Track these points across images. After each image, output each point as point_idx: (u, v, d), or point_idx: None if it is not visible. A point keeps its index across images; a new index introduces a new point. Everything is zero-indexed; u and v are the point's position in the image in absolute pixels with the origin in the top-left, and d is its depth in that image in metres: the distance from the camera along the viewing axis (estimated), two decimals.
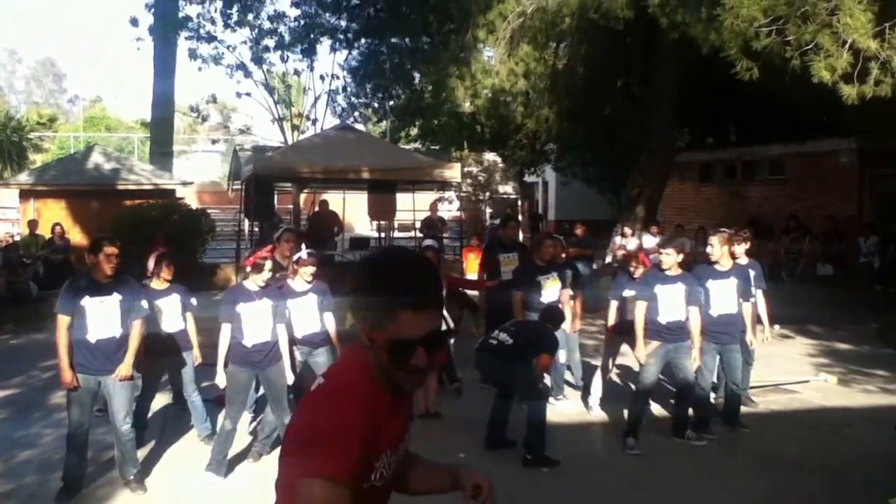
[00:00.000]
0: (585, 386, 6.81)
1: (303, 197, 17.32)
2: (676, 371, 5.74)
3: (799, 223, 14.81)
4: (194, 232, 14.26)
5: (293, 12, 19.14)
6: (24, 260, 12.42)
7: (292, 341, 5.36)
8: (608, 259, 12.94)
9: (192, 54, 18.55)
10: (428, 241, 9.16)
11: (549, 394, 6.60)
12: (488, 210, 27.75)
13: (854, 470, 5.15)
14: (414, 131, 21.16)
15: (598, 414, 6.47)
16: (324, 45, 19.38)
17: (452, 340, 6.85)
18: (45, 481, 4.87)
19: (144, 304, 4.87)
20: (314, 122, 21.23)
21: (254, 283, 5.08)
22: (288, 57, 19.56)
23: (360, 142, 13.24)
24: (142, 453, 5.21)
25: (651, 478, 5.09)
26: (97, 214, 15.10)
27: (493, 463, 5.17)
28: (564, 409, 6.58)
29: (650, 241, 12.42)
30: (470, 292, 8.25)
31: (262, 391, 5.67)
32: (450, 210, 22.79)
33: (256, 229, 14.01)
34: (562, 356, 6.53)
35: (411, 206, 15.03)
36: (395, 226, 16.89)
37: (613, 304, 6.50)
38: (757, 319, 6.33)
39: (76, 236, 14.51)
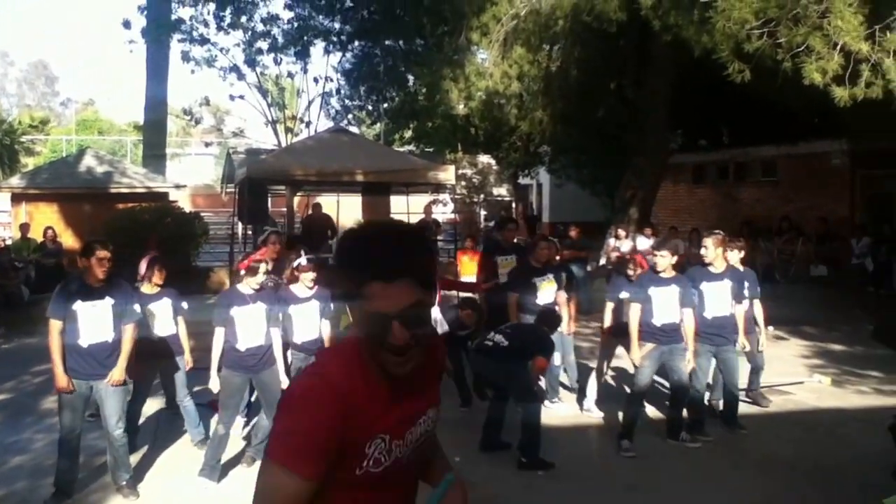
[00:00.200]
0: (581, 388, 6.80)
1: (297, 200, 17.31)
2: (671, 373, 5.74)
3: (792, 224, 14.87)
4: (188, 235, 14.22)
5: (286, 14, 19.20)
6: (15, 264, 12.35)
7: (287, 346, 5.34)
8: (602, 261, 12.95)
9: (185, 57, 18.53)
10: None
11: (545, 397, 6.60)
12: (483, 212, 27.77)
13: (848, 471, 5.16)
14: (408, 134, 21.17)
15: (593, 416, 6.46)
16: (317, 47, 19.39)
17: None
18: (37, 486, 4.84)
19: (137, 308, 4.84)
20: (308, 124, 21.21)
21: (248, 286, 5.06)
22: (281, 59, 19.57)
23: (354, 144, 13.23)
24: (134, 458, 5.17)
25: (647, 479, 5.09)
26: (89, 218, 15.03)
27: (489, 465, 5.16)
28: (560, 411, 6.58)
29: (644, 242, 12.43)
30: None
31: (255, 396, 5.65)
32: (444, 212, 22.80)
33: (250, 232, 13.98)
34: (556, 359, 6.52)
35: (405, 209, 15.03)
36: None
37: (609, 306, 6.50)
38: (751, 323, 6.34)
39: (68, 240, 14.44)
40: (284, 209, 17.83)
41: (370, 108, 20.44)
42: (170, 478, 5.12)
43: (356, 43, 19.06)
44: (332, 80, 20.54)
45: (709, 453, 5.57)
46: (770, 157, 16.48)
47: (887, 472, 4.56)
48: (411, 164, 13.10)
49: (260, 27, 18.88)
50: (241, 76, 19.42)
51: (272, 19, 18.95)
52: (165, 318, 5.67)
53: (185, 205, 18.79)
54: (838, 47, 7.29)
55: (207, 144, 26.65)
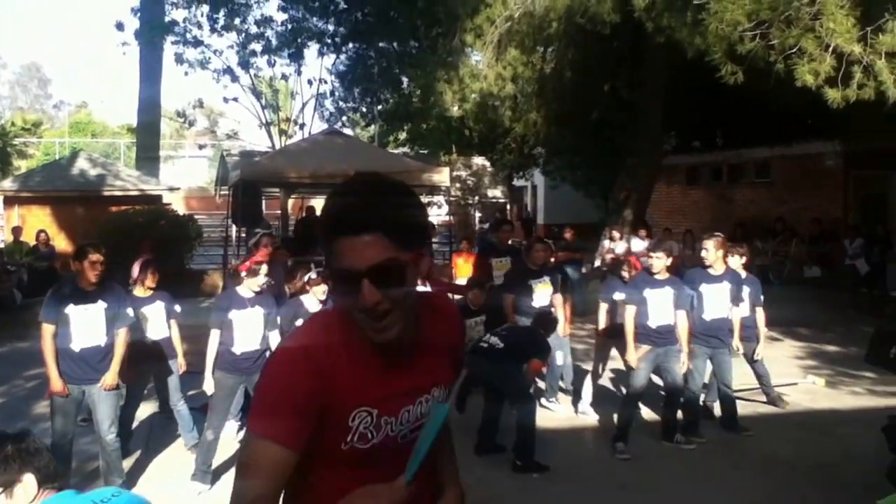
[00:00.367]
0: (576, 390, 6.81)
1: (291, 202, 17.26)
2: (666, 375, 5.75)
3: (786, 225, 14.91)
4: (181, 238, 14.18)
5: (280, 16, 19.25)
6: (8, 267, 12.29)
7: None
8: (597, 263, 12.97)
9: (179, 59, 18.51)
10: None
11: (544, 395, 6.60)
12: (477, 214, 27.77)
13: (843, 471, 5.17)
14: (402, 135, 21.17)
15: (588, 418, 6.46)
16: (311, 49, 19.39)
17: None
18: None
19: (130, 311, 4.82)
20: (302, 126, 21.18)
21: (248, 288, 5.04)
22: (275, 61, 19.56)
23: (348, 146, 13.21)
24: (127, 463, 5.15)
25: (642, 481, 5.09)
26: (82, 221, 14.98)
27: (483, 468, 5.15)
28: (555, 413, 6.57)
29: (638, 244, 12.46)
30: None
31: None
32: (439, 214, 22.79)
33: (244, 235, 13.94)
34: (559, 358, 6.50)
35: None
36: None
37: (603, 308, 6.51)
38: (751, 329, 6.35)
39: (61, 243, 14.39)
40: (279, 212, 17.78)
41: (364, 110, 20.45)
42: (163, 482, 5.09)
43: (350, 45, 19.06)
44: (326, 82, 20.56)
45: (703, 454, 5.57)
46: (763, 159, 16.53)
47: (881, 472, 4.56)
48: (405, 166, 13.08)
49: (253, 29, 18.89)
50: (234, 78, 19.40)
51: (266, 21, 18.94)
52: (158, 322, 5.64)
53: (179, 207, 18.75)
54: (830, 49, 7.32)
55: (201, 147, 26.59)
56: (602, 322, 6.51)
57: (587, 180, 20.10)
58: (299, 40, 18.58)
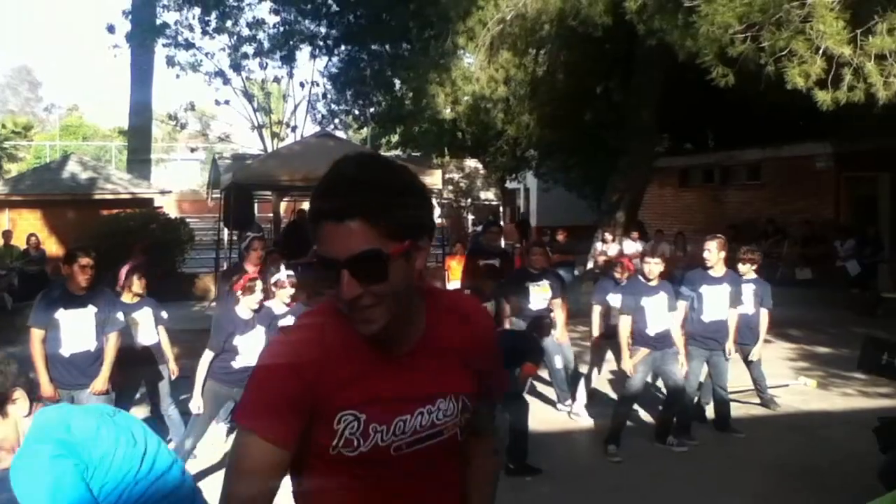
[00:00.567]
0: (571, 393, 6.80)
1: (283, 205, 17.23)
2: (665, 378, 5.75)
3: (777, 227, 14.96)
4: (173, 241, 14.12)
5: (272, 19, 19.10)
6: None
7: None
8: (590, 265, 12.98)
9: (170, 61, 18.41)
10: None
11: (559, 402, 6.53)
12: (470, 217, 27.79)
13: (834, 472, 5.18)
14: (395, 138, 21.13)
15: (582, 420, 6.45)
16: (303, 51, 19.33)
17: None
18: None
19: (120, 316, 4.79)
20: (294, 129, 21.14)
21: (246, 307, 4.94)
22: (267, 64, 19.49)
23: (340, 149, 13.08)
24: None
25: (634, 483, 5.09)
26: (73, 224, 14.91)
27: None
28: (548, 415, 6.56)
29: (631, 246, 12.49)
30: None
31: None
32: None
33: (236, 238, 13.91)
34: (558, 362, 6.47)
35: None
36: None
37: (597, 310, 6.51)
38: (750, 331, 6.36)
39: (52, 247, 14.32)
40: (271, 215, 17.74)
41: (357, 112, 20.40)
42: None
43: (342, 47, 19.02)
44: (318, 85, 20.50)
45: (696, 456, 5.57)
46: (755, 161, 16.59)
47: (872, 473, 4.57)
48: None
49: (245, 31, 18.79)
50: (226, 81, 19.33)
51: (258, 24, 18.86)
52: (147, 327, 5.61)
53: (171, 210, 18.68)
54: (821, 51, 7.35)
55: (193, 150, 26.51)
56: (595, 323, 6.50)
57: (580, 182, 20.15)
58: (291, 43, 18.53)
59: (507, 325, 6.19)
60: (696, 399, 6.28)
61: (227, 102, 20.39)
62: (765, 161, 16.30)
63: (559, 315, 6.51)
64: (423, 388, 1.37)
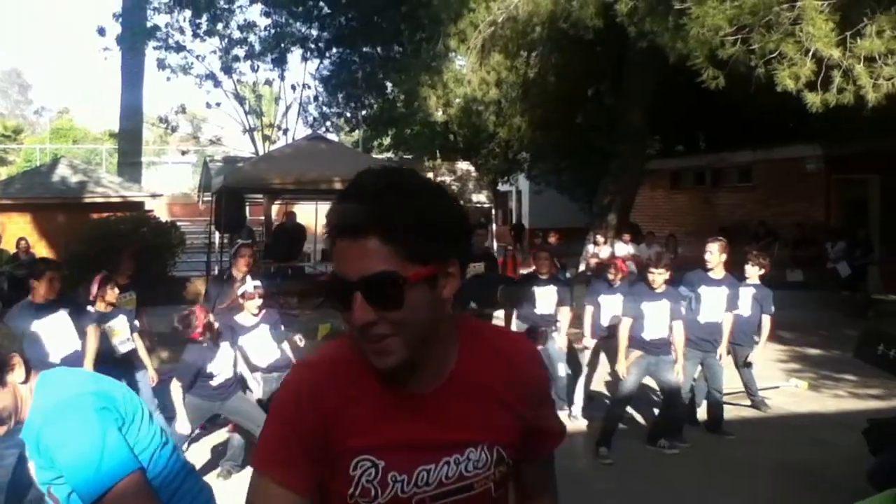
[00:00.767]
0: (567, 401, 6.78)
1: (275, 208, 17.18)
2: (660, 384, 5.75)
3: (768, 229, 15.00)
4: (164, 245, 14.04)
5: (263, 21, 19.12)
6: None
7: (254, 369, 5.25)
8: (582, 267, 12.99)
9: (161, 64, 18.37)
10: None
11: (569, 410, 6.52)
12: None
13: (825, 474, 5.19)
14: (387, 141, 21.13)
15: (578, 423, 6.43)
16: (295, 54, 19.32)
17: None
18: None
19: (90, 309, 4.89)
20: (285, 132, 21.10)
21: (248, 313, 5.04)
22: (258, 67, 19.48)
23: (332, 152, 13.15)
24: None
25: (625, 486, 5.08)
26: (64, 228, 14.79)
27: None
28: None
29: (623, 248, 12.50)
30: None
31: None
32: None
33: (227, 241, 13.85)
34: (561, 369, 6.45)
35: None
36: None
37: (589, 310, 6.51)
38: (749, 336, 6.38)
39: (42, 251, 14.18)
40: (262, 218, 17.69)
41: (348, 115, 20.39)
42: None
43: (334, 50, 19.01)
44: (309, 88, 20.50)
45: (687, 458, 5.57)
46: (746, 163, 16.64)
47: (863, 474, 4.58)
48: None
49: (236, 34, 18.77)
50: (217, 84, 19.30)
51: (249, 26, 18.84)
52: (124, 336, 5.55)
53: (162, 214, 18.59)
54: (810, 53, 7.37)
55: (184, 153, 26.34)
56: (587, 325, 6.51)
57: (571, 184, 20.19)
58: (283, 45, 18.50)
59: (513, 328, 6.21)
60: (688, 400, 6.27)
61: (218, 105, 20.41)
62: (755, 163, 16.34)
63: (564, 322, 6.49)
64: (451, 433, 1.22)
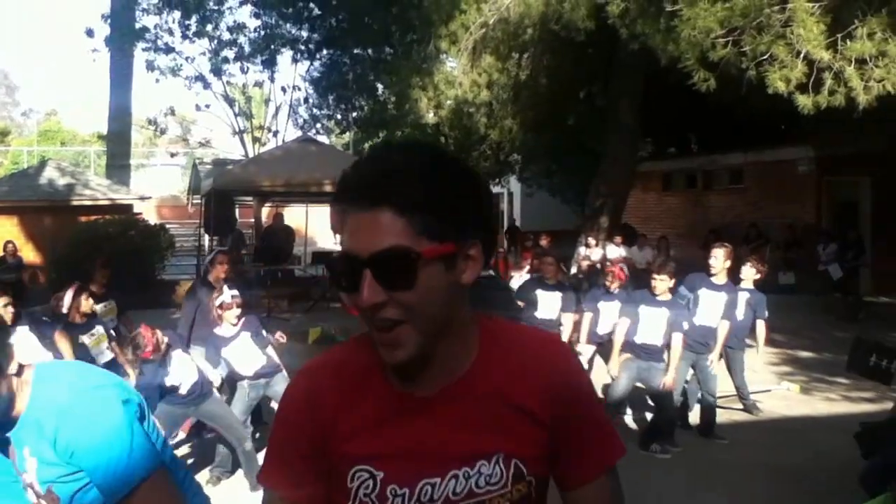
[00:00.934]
0: None
1: (265, 211, 17.09)
2: (651, 390, 5.73)
3: (759, 231, 15.01)
4: (153, 248, 13.94)
5: (253, 23, 18.96)
6: None
7: (239, 377, 5.18)
8: (573, 269, 12.95)
9: (150, 66, 18.25)
10: None
11: None
12: None
13: (817, 477, 5.16)
14: (377, 142, 21.05)
15: None
16: (285, 55, 19.26)
17: None
18: None
19: (45, 318, 4.95)
20: (275, 134, 21.03)
21: (227, 324, 4.99)
22: (248, 68, 19.39)
23: (322, 154, 13.09)
24: None
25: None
26: (51, 231, 14.69)
27: None
28: None
29: (614, 251, 12.47)
30: None
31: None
32: None
33: (216, 244, 13.76)
34: None
35: None
36: None
37: (587, 317, 6.48)
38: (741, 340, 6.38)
39: (29, 254, 14.08)
40: (252, 220, 17.60)
41: (339, 117, 20.31)
42: None
43: (324, 51, 18.93)
44: (299, 89, 20.41)
45: (679, 463, 5.53)
46: (737, 165, 16.66)
47: (855, 478, 4.55)
48: None
49: (226, 36, 18.67)
50: (207, 85, 19.20)
51: (238, 28, 18.74)
52: (103, 346, 5.47)
53: (151, 216, 18.47)
54: (801, 55, 7.36)
55: (173, 155, 26.21)
56: (585, 330, 6.49)
57: (563, 187, 20.17)
58: (272, 47, 18.42)
59: None
60: (679, 403, 6.24)
61: (207, 107, 20.30)
62: (747, 165, 16.36)
63: (566, 327, 6.46)
64: (460, 444, 1.08)
